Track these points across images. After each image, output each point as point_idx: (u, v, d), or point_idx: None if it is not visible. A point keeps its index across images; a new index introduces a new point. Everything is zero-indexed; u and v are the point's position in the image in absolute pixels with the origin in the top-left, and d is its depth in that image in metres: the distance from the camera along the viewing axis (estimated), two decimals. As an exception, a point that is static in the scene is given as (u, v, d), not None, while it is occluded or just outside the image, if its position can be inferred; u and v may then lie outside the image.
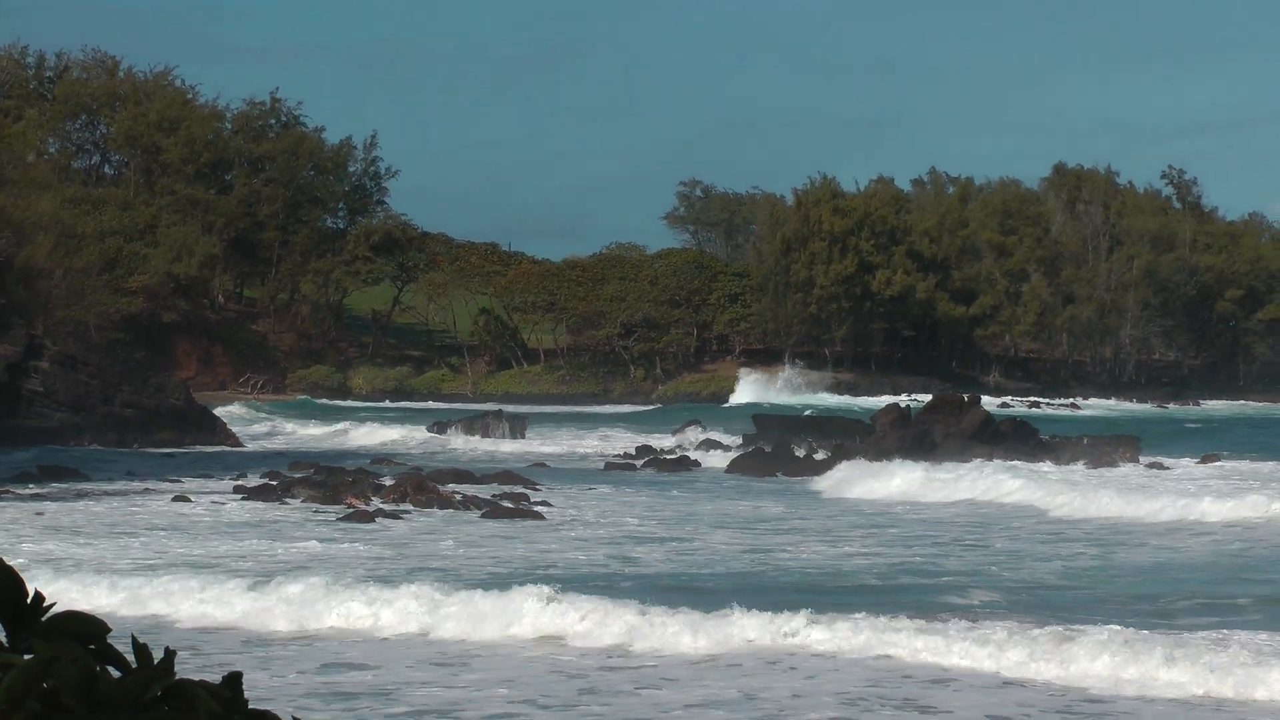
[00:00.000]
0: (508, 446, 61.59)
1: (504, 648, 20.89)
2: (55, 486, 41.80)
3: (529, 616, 21.61)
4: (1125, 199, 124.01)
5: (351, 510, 35.94)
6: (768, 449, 53.81)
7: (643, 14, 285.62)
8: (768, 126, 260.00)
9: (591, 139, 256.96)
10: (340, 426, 70.65)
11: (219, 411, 67.50)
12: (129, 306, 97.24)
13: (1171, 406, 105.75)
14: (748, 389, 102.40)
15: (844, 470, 47.21)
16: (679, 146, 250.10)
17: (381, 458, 54.40)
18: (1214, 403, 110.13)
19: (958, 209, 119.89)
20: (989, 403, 65.62)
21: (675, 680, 18.85)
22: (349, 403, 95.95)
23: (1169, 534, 34.02)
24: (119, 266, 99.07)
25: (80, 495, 39.82)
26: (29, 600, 2.82)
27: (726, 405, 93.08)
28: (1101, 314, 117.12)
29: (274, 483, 42.28)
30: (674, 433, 64.20)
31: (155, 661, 2.81)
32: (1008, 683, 18.67)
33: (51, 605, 2.84)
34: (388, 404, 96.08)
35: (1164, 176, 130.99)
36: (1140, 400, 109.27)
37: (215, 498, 39.52)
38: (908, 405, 56.45)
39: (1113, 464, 49.26)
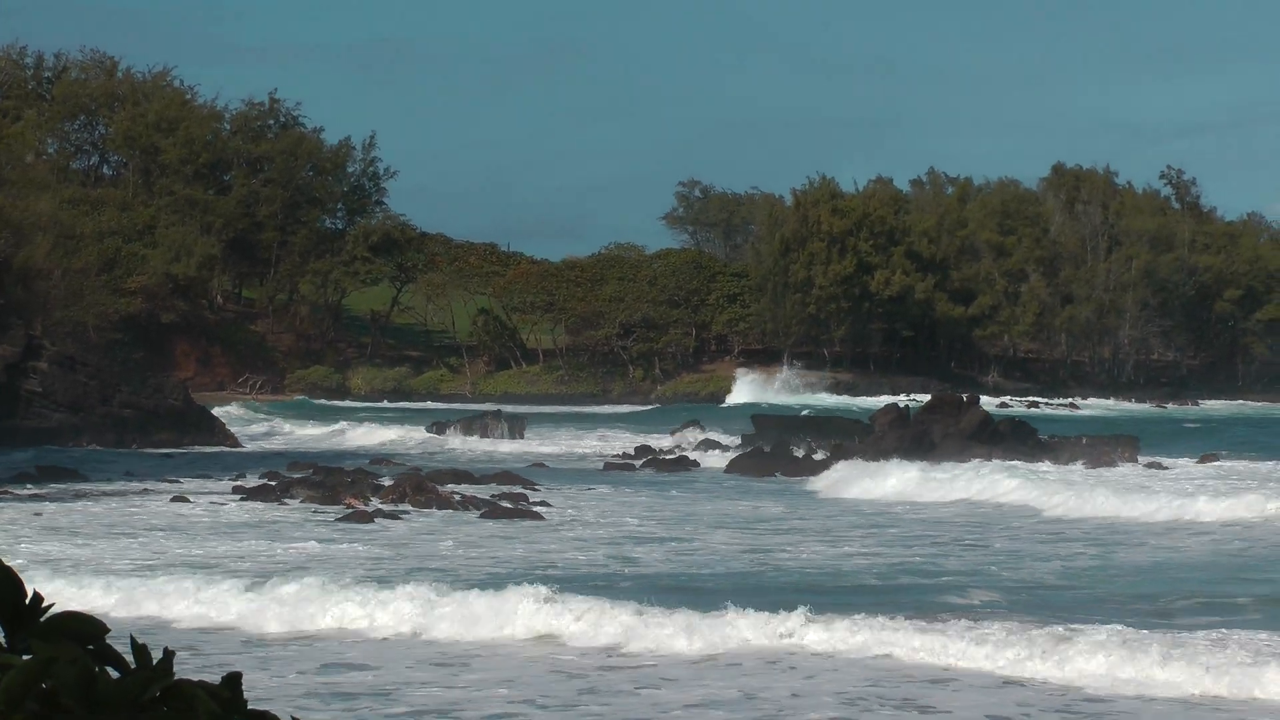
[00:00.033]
0: (506, 447, 61.59)
1: (504, 648, 20.89)
2: (54, 487, 41.78)
3: (524, 617, 21.60)
4: (1124, 199, 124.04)
5: (350, 511, 35.93)
6: (767, 449, 53.82)
7: (643, 14, 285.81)
8: (767, 126, 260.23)
9: (591, 139, 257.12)
10: (338, 426, 70.63)
11: (217, 412, 67.49)
12: (127, 307, 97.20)
13: (1170, 406, 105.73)
14: (744, 389, 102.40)
15: (840, 470, 47.21)
16: (678, 146, 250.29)
17: (380, 458, 54.38)
18: (1213, 403, 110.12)
19: (956, 209, 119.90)
20: (988, 403, 65.61)
21: (675, 680, 18.84)
22: (347, 403, 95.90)
23: (1168, 534, 34.02)
24: (117, 267, 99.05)
25: (79, 496, 39.80)
26: (28, 600, 2.81)
27: (723, 406, 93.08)
28: (1100, 314, 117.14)
29: (273, 483, 42.27)
30: (673, 433, 64.22)
31: (154, 662, 2.80)
32: (1007, 682, 18.67)
33: (50, 606, 2.83)
34: (386, 404, 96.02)
35: (1163, 177, 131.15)
36: (1139, 400, 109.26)
37: (214, 498, 39.51)
38: (906, 405, 56.46)
39: (1111, 464, 49.27)
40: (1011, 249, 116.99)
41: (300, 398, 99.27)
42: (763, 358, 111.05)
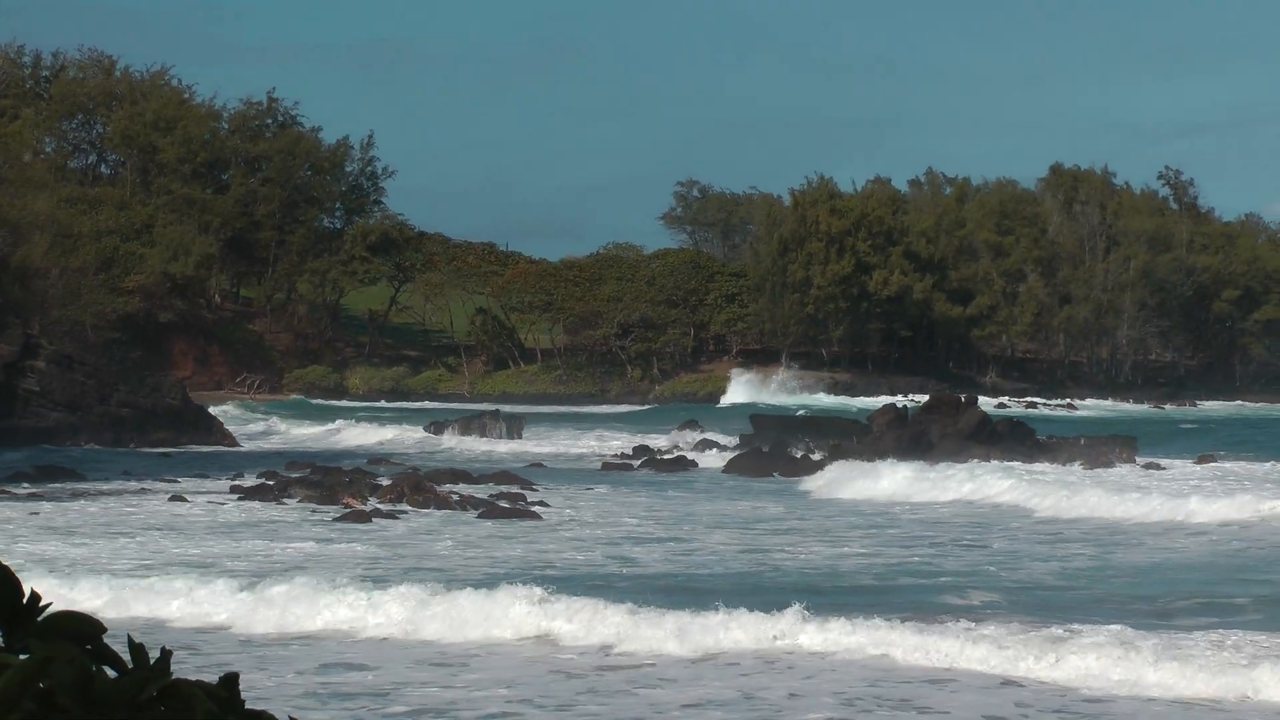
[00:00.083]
0: (504, 446, 61.59)
1: (502, 648, 20.86)
2: (51, 486, 41.76)
3: (517, 617, 21.56)
4: (1122, 199, 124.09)
5: (348, 510, 35.91)
6: (765, 449, 53.80)
7: (643, 14, 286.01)
8: (766, 126, 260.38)
9: (590, 139, 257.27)
10: (335, 426, 70.64)
11: (215, 411, 67.50)
12: (125, 306, 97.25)
13: (1168, 407, 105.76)
14: (740, 389, 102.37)
15: (838, 470, 47.18)
16: (677, 146, 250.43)
17: (378, 458, 54.37)
18: (1210, 403, 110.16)
19: (955, 209, 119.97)
20: (986, 403, 65.61)
21: (673, 680, 18.83)
22: (345, 403, 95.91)
23: (1166, 534, 34.01)
24: (115, 266, 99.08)
25: (76, 495, 39.78)
26: (25, 600, 2.79)
27: (718, 406, 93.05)
28: (1098, 314, 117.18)
29: (271, 483, 42.24)
30: (671, 433, 64.23)
31: (151, 662, 2.78)
32: (1006, 682, 18.66)
33: (48, 605, 2.82)
34: (384, 404, 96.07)
35: (1161, 177, 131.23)
36: (1137, 401, 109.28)
37: (212, 498, 39.49)
38: (904, 406, 56.47)
39: (1109, 464, 49.26)
40: (1009, 249, 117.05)
41: (298, 397, 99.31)
42: (761, 357, 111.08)
